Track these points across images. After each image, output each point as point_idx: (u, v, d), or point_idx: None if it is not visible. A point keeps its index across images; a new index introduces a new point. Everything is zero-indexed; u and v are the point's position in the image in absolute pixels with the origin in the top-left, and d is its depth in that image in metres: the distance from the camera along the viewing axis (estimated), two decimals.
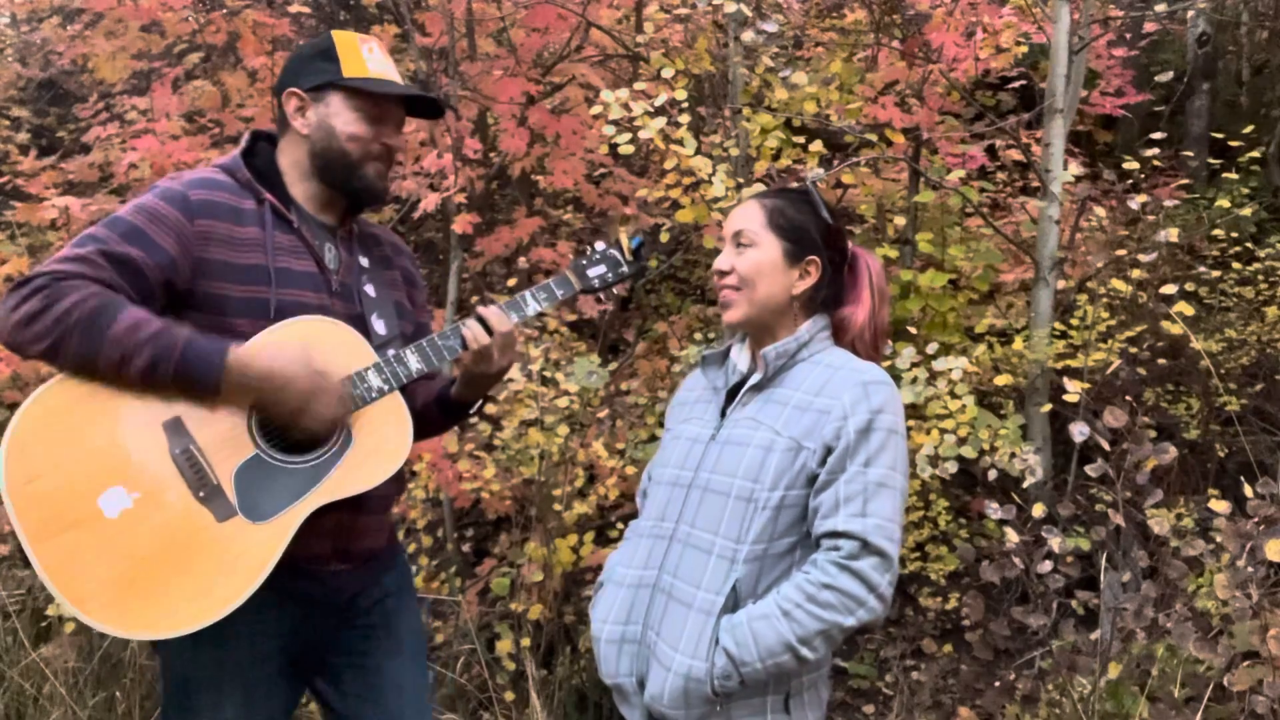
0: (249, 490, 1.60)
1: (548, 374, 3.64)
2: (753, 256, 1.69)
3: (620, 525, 3.65)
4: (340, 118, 1.76)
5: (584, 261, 1.94)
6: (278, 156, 1.82)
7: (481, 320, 1.79)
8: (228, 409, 1.62)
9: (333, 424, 1.64)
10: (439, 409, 1.93)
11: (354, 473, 1.68)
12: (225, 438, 1.61)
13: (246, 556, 1.58)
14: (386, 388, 1.71)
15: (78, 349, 1.53)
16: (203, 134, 4.62)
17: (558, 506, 3.60)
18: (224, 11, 4.65)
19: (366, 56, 1.78)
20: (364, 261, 1.85)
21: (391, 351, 1.74)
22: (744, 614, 1.52)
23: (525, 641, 3.41)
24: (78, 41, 5.17)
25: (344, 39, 1.80)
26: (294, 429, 1.63)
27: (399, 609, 1.93)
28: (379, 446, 1.71)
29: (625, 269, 1.95)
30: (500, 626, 3.53)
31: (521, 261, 4.78)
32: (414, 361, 1.74)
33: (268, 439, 1.65)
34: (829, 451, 1.55)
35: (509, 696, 3.31)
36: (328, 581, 1.78)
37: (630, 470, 3.61)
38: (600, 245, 1.95)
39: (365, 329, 1.77)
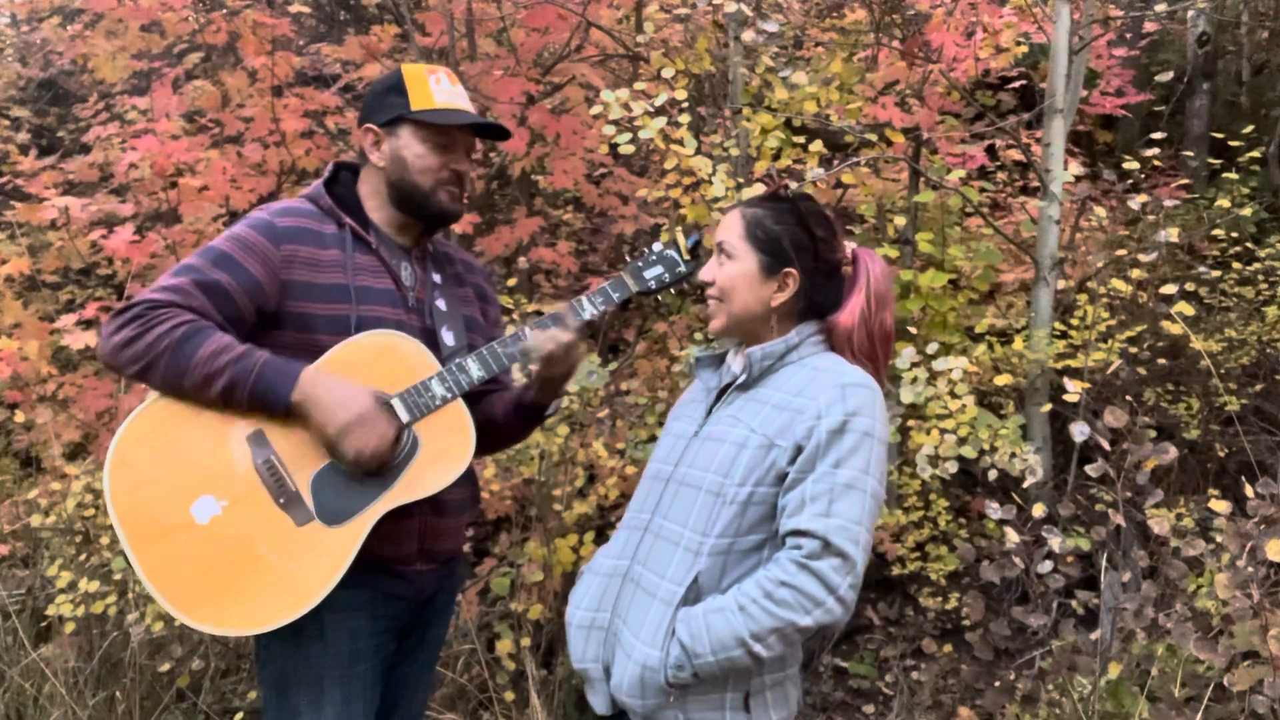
0: (324, 497, 1.71)
1: None
2: (730, 270, 1.71)
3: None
4: (410, 149, 1.86)
5: (640, 263, 1.95)
6: (359, 185, 1.94)
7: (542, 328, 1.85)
8: (304, 423, 1.72)
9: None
10: (518, 416, 1.99)
11: (420, 478, 1.76)
12: (302, 449, 1.72)
13: (325, 557, 1.69)
14: (450, 395, 1.79)
15: (166, 372, 1.66)
16: (203, 134, 4.61)
17: (558, 506, 3.60)
18: (224, 11, 4.63)
19: (434, 88, 1.87)
20: (436, 278, 1.96)
21: (455, 361, 1.82)
22: (701, 606, 1.54)
23: (525, 641, 3.41)
24: (78, 41, 5.15)
25: (412, 72, 1.89)
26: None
27: (445, 614, 2.05)
28: (443, 452, 1.79)
29: (683, 268, 1.94)
30: (500, 626, 3.53)
31: (521, 261, 4.77)
32: (475, 369, 1.81)
33: None
34: (799, 450, 1.55)
35: (509, 696, 3.30)
36: (414, 580, 1.88)
37: (630, 470, 3.61)
38: (656, 246, 1.96)
39: (435, 341, 1.87)
